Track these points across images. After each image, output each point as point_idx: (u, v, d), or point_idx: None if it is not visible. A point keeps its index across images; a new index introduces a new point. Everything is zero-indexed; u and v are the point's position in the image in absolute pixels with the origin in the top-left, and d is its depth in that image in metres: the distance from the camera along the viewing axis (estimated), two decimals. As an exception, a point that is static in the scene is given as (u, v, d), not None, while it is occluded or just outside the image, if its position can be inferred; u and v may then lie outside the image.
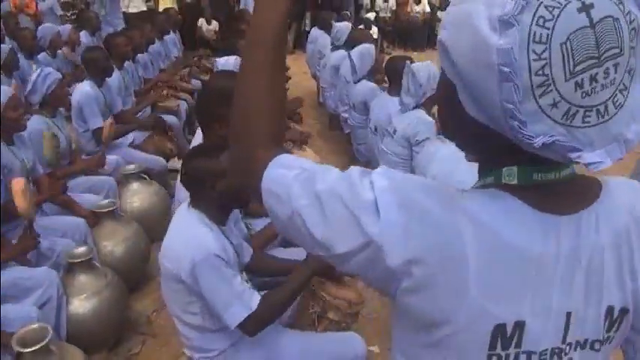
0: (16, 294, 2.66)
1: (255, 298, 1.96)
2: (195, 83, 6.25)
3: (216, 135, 2.67)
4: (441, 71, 0.80)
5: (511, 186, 0.78)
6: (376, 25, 10.26)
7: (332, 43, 5.76)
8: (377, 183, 0.76)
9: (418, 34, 11.42)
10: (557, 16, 0.65)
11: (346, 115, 5.01)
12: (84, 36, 6.84)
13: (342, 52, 5.64)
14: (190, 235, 2.01)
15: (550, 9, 0.65)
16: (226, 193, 2.08)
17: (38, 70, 3.65)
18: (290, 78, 6.33)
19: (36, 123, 3.53)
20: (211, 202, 2.11)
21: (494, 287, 0.75)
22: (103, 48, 4.73)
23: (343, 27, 5.68)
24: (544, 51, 0.65)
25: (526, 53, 0.65)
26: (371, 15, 11.00)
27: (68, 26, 6.57)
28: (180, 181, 2.18)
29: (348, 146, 5.26)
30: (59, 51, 6.23)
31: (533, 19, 0.65)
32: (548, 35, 0.65)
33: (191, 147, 2.81)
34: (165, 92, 5.22)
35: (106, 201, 3.45)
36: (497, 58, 0.66)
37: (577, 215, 0.79)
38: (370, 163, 4.36)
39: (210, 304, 1.95)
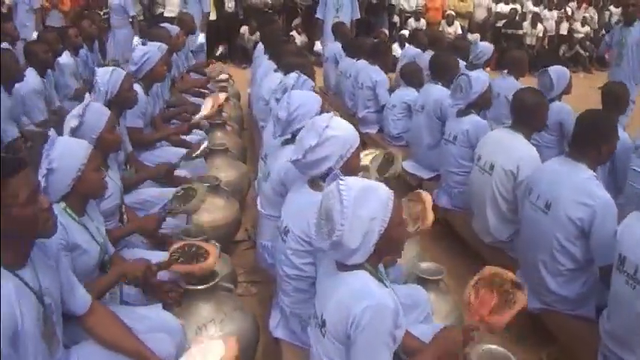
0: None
1: None
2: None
3: (603, 155, 2.66)
4: None
5: None
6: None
7: (470, 62, 5.76)
8: None
9: (449, 54, 11.63)
10: None
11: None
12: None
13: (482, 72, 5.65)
14: None
15: None
16: None
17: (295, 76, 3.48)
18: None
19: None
20: None
21: None
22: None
23: (486, 47, 5.72)
24: None
25: None
26: (405, 32, 11.11)
27: (176, 28, 6.27)
28: None
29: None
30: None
31: None
32: None
33: None
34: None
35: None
36: None
37: None
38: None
39: None
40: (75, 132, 2.62)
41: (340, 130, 2.29)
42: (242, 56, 10.89)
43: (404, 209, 2.57)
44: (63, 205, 2.20)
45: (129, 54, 7.63)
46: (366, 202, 1.69)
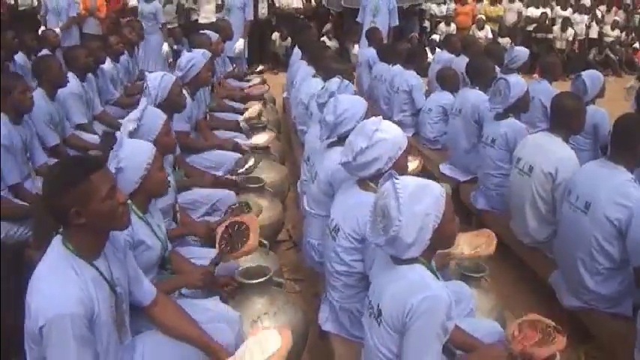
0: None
1: None
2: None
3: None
4: None
5: None
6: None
7: (505, 67, 5.83)
8: None
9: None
10: None
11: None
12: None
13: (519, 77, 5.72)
14: None
15: None
16: None
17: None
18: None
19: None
20: None
21: None
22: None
23: (522, 51, 5.78)
24: None
25: None
26: (436, 37, 11.19)
27: (215, 34, 6.45)
28: None
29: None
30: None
31: None
32: None
33: None
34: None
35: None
36: None
37: None
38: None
39: None
40: (133, 135, 2.77)
41: (389, 132, 2.42)
42: (274, 62, 11.12)
43: (469, 239, 2.69)
44: (129, 202, 2.35)
45: (159, 60, 7.93)
46: (420, 199, 1.81)
